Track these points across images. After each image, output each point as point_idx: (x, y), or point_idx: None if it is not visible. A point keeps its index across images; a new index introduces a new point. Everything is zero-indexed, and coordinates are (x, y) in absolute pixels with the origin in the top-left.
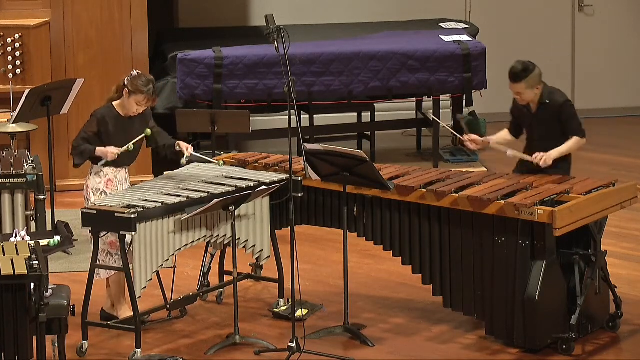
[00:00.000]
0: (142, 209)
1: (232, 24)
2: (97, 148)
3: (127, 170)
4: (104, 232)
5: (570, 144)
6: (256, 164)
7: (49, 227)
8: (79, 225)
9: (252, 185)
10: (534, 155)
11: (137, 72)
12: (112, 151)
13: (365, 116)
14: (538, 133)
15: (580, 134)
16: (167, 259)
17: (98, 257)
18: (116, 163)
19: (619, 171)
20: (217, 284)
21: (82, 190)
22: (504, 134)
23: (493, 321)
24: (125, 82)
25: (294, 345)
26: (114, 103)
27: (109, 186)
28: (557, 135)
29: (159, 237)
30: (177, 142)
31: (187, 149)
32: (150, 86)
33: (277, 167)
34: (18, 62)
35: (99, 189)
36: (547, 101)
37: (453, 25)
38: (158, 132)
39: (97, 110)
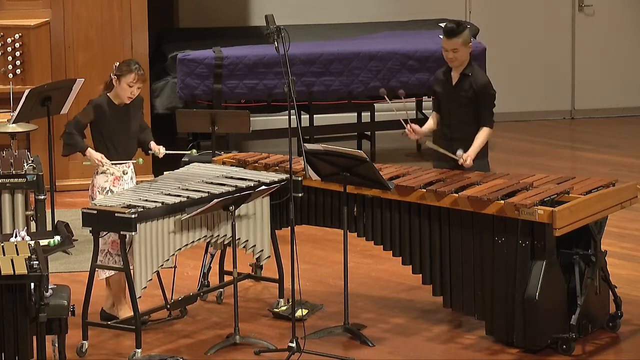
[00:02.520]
0: (142, 209)
1: (232, 24)
2: (88, 150)
3: (132, 169)
4: (104, 232)
5: (482, 137)
6: (256, 164)
7: (49, 227)
8: (79, 225)
9: (252, 185)
10: (458, 153)
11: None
12: (100, 160)
13: (365, 116)
14: (448, 108)
15: (490, 125)
16: (167, 259)
17: (102, 259)
18: (118, 154)
19: (619, 171)
20: (217, 284)
21: (82, 190)
22: (432, 118)
23: (493, 321)
24: (112, 75)
25: (294, 345)
26: (108, 94)
27: (116, 184)
28: (464, 115)
29: (159, 237)
30: (150, 142)
31: (158, 149)
32: (136, 65)
33: (277, 167)
34: (18, 62)
35: (105, 188)
36: (469, 73)
37: None
38: (144, 127)
39: (93, 99)
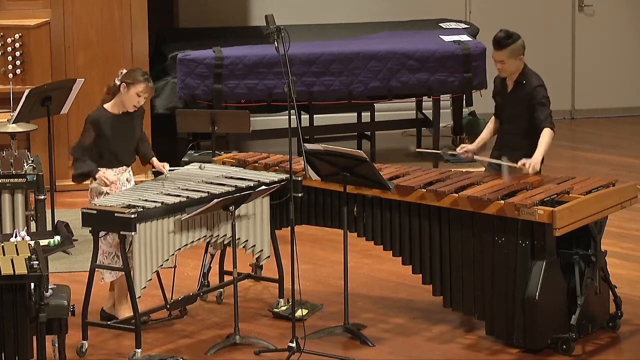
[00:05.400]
0: (142, 209)
1: (232, 24)
2: (98, 174)
3: (130, 171)
4: (104, 232)
5: (546, 139)
6: (256, 164)
7: (49, 227)
8: (79, 225)
9: (252, 185)
10: (520, 163)
11: (126, 69)
12: (109, 179)
13: (365, 116)
14: (507, 114)
15: (551, 125)
16: (167, 259)
17: (104, 259)
18: (117, 162)
19: (619, 171)
20: (217, 284)
21: (82, 190)
22: (491, 124)
23: (493, 321)
24: (120, 80)
25: (294, 345)
26: (105, 105)
27: (113, 189)
28: (523, 120)
29: (159, 237)
30: (153, 159)
31: (163, 167)
32: (147, 76)
33: (277, 167)
34: (18, 62)
35: (102, 192)
36: (524, 81)
37: (453, 25)
38: (144, 139)
39: (90, 115)
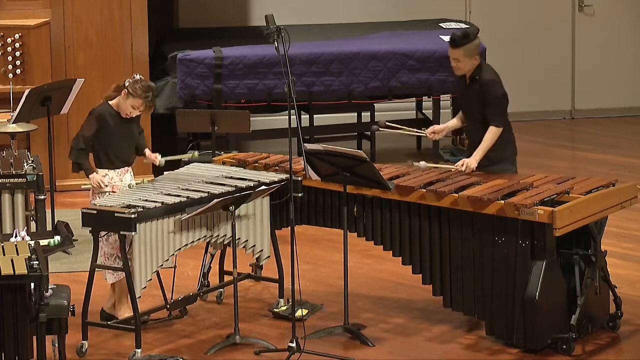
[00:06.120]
0: (142, 209)
1: (232, 24)
2: (91, 175)
3: (131, 173)
4: (104, 233)
5: (488, 138)
6: (256, 164)
7: (49, 227)
8: (79, 225)
9: (252, 185)
10: (456, 165)
11: (140, 77)
12: (100, 182)
13: (365, 116)
14: (467, 110)
15: (496, 123)
16: (167, 259)
17: (105, 261)
18: (119, 163)
19: (619, 171)
20: (217, 284)
21: (82, 190)
22: (457, 117)
23: (493, 321)
24: (126, 84)
25: (294, 345)
26: (110, 102)
27: (115, 190)
28: (480, 116)
29: (159, 237)
30: (145, 150)
31: (156, 157)
32: (149, 93)
33: (277, 167)
34: (18, 62)
35: (104, 193)
36: (477, 77)
37: (453, 25)
38: (140, 131)
39: (95, 108)
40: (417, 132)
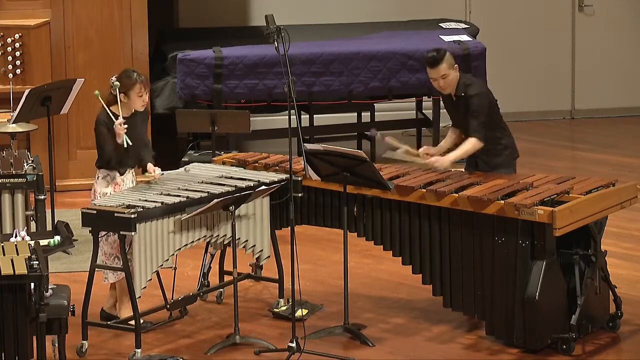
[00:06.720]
0: (142, 209)
1: (232, 24)
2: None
3: (133, 173)
4: (104, 233)
5: (465, 147)
6: (256, 164)
7: (49, 227)
8: (79, 225)
9: (252, 185)
10: (428, 160)
11: (114, 77)
12: (119, 125)
13: (365, 116)
14: (459, 125)
15: (477, 135)
16: (167, 259)
17: (105, 261)
18: (123, 165)
19: (619, 171)
20: (217, 284)
21: (82, 190)
22: (452, 133)
23: (493, 321)
24: (115, 90)
25: (294, 345)
26: (110, 108)
27: (117, 190)
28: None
29: (159, 237)
30: (148, 163)
31: (154, 171)
32: (135, 73)
33: (277, 167)
34: (18, 62)
35: (107, 193)
36: (462, 93)
37: (453, 25)
38: (147, 145)
39: (98, 117)
40: (412, 157)
